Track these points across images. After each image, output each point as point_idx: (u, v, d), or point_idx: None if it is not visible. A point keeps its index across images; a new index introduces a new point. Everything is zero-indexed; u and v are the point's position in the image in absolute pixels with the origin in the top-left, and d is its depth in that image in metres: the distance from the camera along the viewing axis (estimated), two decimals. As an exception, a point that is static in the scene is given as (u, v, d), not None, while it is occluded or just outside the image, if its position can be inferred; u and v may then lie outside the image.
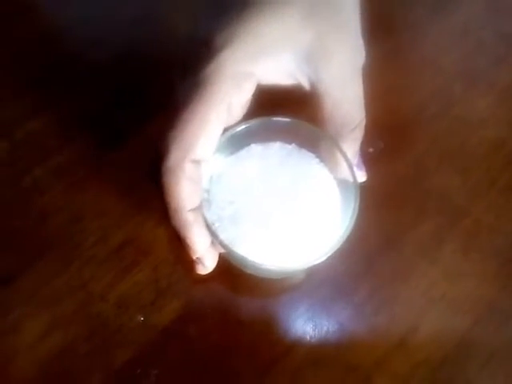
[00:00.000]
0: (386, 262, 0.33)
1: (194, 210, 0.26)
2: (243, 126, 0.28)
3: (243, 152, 0.30)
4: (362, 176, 0.28)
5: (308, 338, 0.31)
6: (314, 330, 0.31)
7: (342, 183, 0.28)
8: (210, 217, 0.28)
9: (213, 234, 0.26)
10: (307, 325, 0.31)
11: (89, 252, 0.33)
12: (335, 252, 0.27)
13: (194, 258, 0.28)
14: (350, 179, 0.27)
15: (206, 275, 0.30)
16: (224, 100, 0.24)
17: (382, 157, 0.37)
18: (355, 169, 0.27)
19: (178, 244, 0.27)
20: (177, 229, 0.26)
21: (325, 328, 0.31)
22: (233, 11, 0.24)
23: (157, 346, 0.30)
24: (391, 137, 0.38)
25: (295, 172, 0.29)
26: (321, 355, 0.30)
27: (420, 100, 0.40)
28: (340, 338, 0.31)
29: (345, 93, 0.26)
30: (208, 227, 0.26)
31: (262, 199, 0.28)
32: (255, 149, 0.30)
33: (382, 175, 0.36)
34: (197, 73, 0.24)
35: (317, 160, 0.30)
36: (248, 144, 0.30)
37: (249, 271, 0.30)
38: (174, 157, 0.24)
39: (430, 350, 0.31)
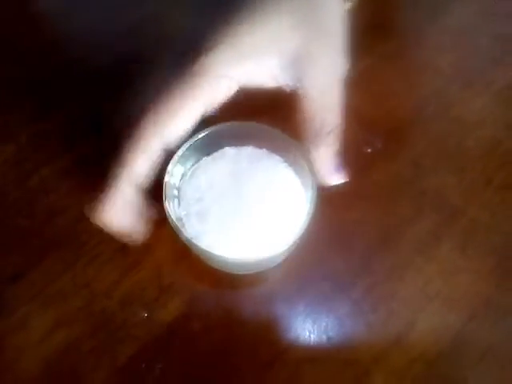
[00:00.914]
0: (384, 260, 0.34)
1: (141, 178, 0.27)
2: (218, 129, 0.30)
3: (216, 154, 0.32)
4: (340, 178, 0.29)
5: (307, 334, 0.31)
6: (312, 327, 0.32)
7: (308, 187, 0.29)
8: (179, 212, 0.29)
9: (177, 229, 0.28)
10: (306, 321, 0.32)
11: (94, 251, 0.33)
12: (289, 248, 0.28)
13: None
14: (311, 183, 0.29)
15: (209, 273, 0.31)
16: (198, 99, 0.26)
17: (379, 156, 0.38)
18: (332, 171, 0.29)
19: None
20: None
21: (323, 324, 0.32)
22: (225, 16, 0.26)
23: (161, 342, 0.31)
24: (389, 137, 0.38)
25: (264, 175, 0.31)
26: (320, 351, 0.31)
27: (417, 101, 0.41)
28: (338, 334, 0.32)
29: (324, 99, 0.27)
30: (173, 223, 0.28)
31: (229, 198, 0.30)
32: (228, 151, 0.32)
33: (380, 175, 0.37)
34: (184, 68, 0.26)
35: (285, 164, 0.31)
36: (222, 146, 0.32)
37: (214, 265, 0.31)
38: (144, 133, 0.26)
39: (426, 346, 0.31)
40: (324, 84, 0.26)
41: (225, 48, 0.25)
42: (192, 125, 0.27)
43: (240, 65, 0.26)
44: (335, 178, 0.29)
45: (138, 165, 0.26)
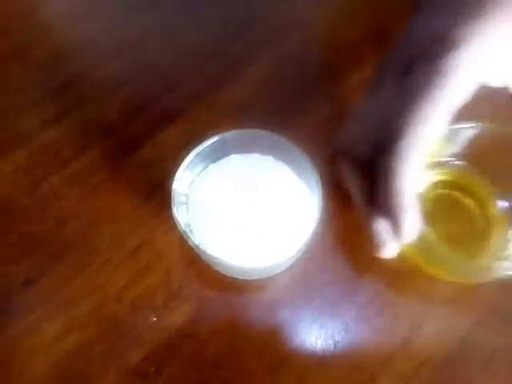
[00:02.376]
0: (389, 264, 0.34)
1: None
2: (224, 137, 0.31)
3: (223, 161, 0.33)
4: None
5: (314, 338, 0.32)
6: (319, 332, 0.32)
7: (314, 194, 0.30)
8: (187, 219, 0.30)
9: (185, 235, 0.28)
10: (313, 326, 0.32)
11: (104, 256, 0.34)
12: (296, 255, 0.29)
13: (396, 244, 0.27)
14: (318, 191, 0.29)
15: (216, 278, 0.31)
16: (456, 95, 0.24)
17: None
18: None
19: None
20: (389, 210, 0.26)
21: (330, 329, 0.32)
22: (468, 9, 0.24)
23: (170, 346, 0.31)
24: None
25: (270, 182, 0.32)
26: (326, 356, 0.31)
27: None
28: (344, 339, 0.32)
29: None
30: (181, 229, 0.28)
31: (236, 205, 0.31)
32: (234, 158, 0.33)
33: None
34: (428, 64, 0.24)
35: (291, 171, 0.32)
36: (228, 154, 0.32)
37: (222, 271, 0.32)
38: (407, 138, 0.24)
39: (432, 350, 0.31)
40: None
41: (476, 43, 0.24)
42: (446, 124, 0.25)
43: (487, 61, 0.25)
44: None
45: (411, 181, 0.25)
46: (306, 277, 0.34)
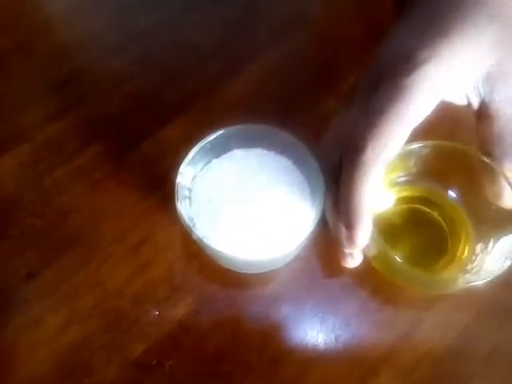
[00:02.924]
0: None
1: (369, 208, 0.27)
2: (227, 132, 0.31)
3: (225, 156, 0.33)
4: None
5: (316, 332, 0.32)
6: (320, 326, 0.32)
7: (316, 188, 0.30)
8: (190, 213, 0.30)
9: (189, 229, 0.28)
10: (314, 320, 0.32)
11: (107, 250, 0.34)
12: (298, 248, 0.29)
13: (349, 251, 0.29)
14: (320, 185, 0.29)
15: (219, 272, 0.32)
16: (419, 110, 0.25)
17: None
18: None
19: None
20: (346, 220, 0.27)
21: (331, 323, 0.32)
22: (435, 31, 0.26)
23: (171, 339, 0.31)
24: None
25: (272, 176, 0.32)
26: (327, 350, 0.32)
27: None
28: (346, 333, 0.32)
29: None
30: (185, 222, 0.28)
31: (239, 199, 0.31)
32: (237, 153, 0.33)
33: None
34: (394, 81, 0.25)
35: (293, 166, 0.32)
36: (231, 149, 0.33)
37: (225, 264, 0.32)
38: (370, 152, 0.25)
39: (432, 344, 0.32)
40: None
41: (440, 60, 0.25)
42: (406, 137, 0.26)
43: (449, 78, 0.26)
44: None
45: (370, 188, 0.26)
46: (308, 271, 0.34)
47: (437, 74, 0.25)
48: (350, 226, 0.27)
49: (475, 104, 0.28)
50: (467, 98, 0.28)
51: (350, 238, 0.27)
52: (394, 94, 0.25)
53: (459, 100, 0.28)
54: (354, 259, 0.31)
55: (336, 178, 0.28)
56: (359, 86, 0.29)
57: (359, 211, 0.26)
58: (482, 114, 0.28)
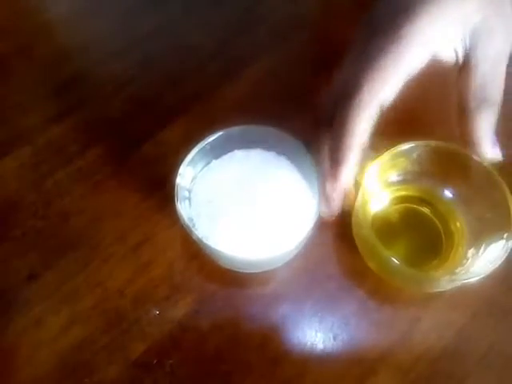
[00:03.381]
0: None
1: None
2: (227, 133, 0.31)
3: (226, 156, 0.33)
4: (496, 154, 0.29)
5: (315, 331, 0.32)
6: (319, 325, 0.32)
7: (315, 189, 0.30)
8: (190, 213, 0.30)
9: (188, 229, 0.29)
10: (313, 320, 0.33)
11: (107, 251, 0.34)
12: (296, 248, 0.29)
13: (331, 191, 0.28)
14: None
15: (218, 272, 0.32)
16: (413, 61, 0.27)
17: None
18: (491, 144, 0.29)
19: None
20: (333, 156, 0.27)
21: (330, 323, 0.33)
22: None
23: (172, 339, 0.32)
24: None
25: (272, 176, 0.32)
26: (327, 348, 0.32)
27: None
28: (344, 333, 0.32)
29: (494, 70, 0.28)
30: (185, 223, 0.29)
31: (238, 199, 0.31)
32: (237, 154, 0.33)
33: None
34: (390, 30, 0.27)
35: (293, 166, 0.33)
36: (231, 149, 0.33)
37: (225, 264, 0.32)
38: (366, 94, 0.26)
39: (430, 344, 0.32)
40: (496, 59, 0.28)
41: (427, 17, 0.26)
42: (400, 87, 0.27)
43: (442, 29, 0.27)
44: (493, 152, 0.29)
45: (362, 128, 0.26)
46: (307, 271, 0.34)
47: (430, 25, 0.27)
48: (336, 161, 0.27)
49: (460, 57, 0.29)
50: (455, 52, 0.29)
51: (334, 175, 0.27)
52: (390, 43, 0.26)
53: (449, 55, 0.29)
54: (331, 205, 0.29)
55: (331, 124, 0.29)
56: (356, 35, 0.30)
57: (347, 148, 0.26)
58: (463, 68, 0.29)
